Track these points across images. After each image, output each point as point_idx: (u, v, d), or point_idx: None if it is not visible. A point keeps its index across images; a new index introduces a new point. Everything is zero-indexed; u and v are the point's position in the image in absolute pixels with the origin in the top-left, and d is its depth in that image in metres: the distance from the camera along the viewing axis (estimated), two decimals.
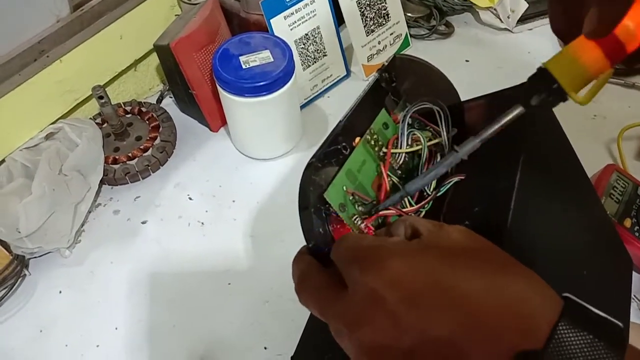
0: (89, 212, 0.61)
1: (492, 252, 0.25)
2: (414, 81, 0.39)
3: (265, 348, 0.51)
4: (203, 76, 0.65)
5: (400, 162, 0.36)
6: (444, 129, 0.37)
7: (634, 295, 0.52)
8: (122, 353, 0.51)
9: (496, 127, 0.30)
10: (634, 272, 0.48)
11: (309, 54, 0.70)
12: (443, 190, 0.36)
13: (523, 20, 0.81)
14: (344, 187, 0.32)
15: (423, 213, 0.36)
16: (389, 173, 0.35)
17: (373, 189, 0.35)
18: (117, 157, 0.65)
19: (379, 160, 0.36)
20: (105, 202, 0.64)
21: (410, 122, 0.37)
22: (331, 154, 0.32)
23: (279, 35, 0.64)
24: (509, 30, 0.82)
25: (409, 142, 0.37)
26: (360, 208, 0.34)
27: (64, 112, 0.65)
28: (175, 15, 0.74)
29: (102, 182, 0.64)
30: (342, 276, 0.26)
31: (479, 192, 0.35)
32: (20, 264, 0.56)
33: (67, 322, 0.54)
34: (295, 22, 0.67)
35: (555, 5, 0.28)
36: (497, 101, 0.38)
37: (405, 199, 0.35)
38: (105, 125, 0.67)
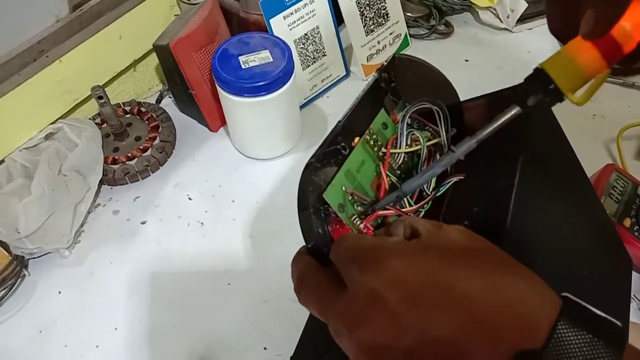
0: (89, 212, 0.61)
1: (492, 252, 0.25)
2: (414, 81, 0.39)
3: (265, 348, 0.51)
4: (202, 76, 0.65)
5: (400, 162, 0.36)
6: (443, 129, 0.37)
7: (634, 295, 0.52)
8: (121, 353, 0.51)
9: (492, 127, 0.30)
10: (633, 272, 0.48)
11: (308, 53, 0.70)
12: (442, 190, 0.36)
13: (523, 19, 0.81)
14: (343, 188, 0.32)
15: (422, 213, 0.36)
16: (388, 173, 0.35)
17: (372, 189, 0.35)
18: (116, 157, 0.65)
19: (378, 161, 0.36)
20: (104, 202, 0.64)
21: (409, 122, 0.37)
22: (330, 154, 0.32)
23: (279, 35, 0.64)
24: (508, 30, 0.82)
25: (408, 142, 0.37)
26: (359, 208, 0.34)
27: (63, 112, 0.65)
28: (175, 15, 0.74)
29: (101, 183, 0.64)
30: (342, 276, 0.26)
31: (478, 192, 0.35)
32: (19, 264, 0.55)
33: (67, 323, 0.54)
34: (295, 22, 0.67)
35: (552, 6, 0.28)
36: (497, 101, 0.38)
37: (405, 199, 0.35)
38: (105, 125, 0.67)
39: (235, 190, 0.64)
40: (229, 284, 0.56)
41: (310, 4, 0.68)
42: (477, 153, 0.31)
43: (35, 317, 0.54)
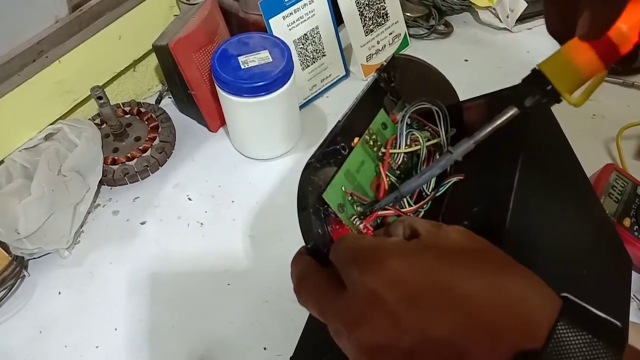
0: (88, 212, 0.61)
1: (491, 252, 0.25)
2: (413, 81, 0.39)
3: (264, 348, 0.51)
4: (202, 76, 0.65)
5: (399, 162, 0.36)
6: (443, 129, 0.37)
7: (634, 295, 0.52)
8: (121, 353, 0.51)
9: (490, 128, 0.30)
10: (633, 272, 0.48)
11: (307, 54, 0.70)
12: (442, 190, 0.36)
13: (522, 19, 0.81)
14: (343, 188, 0.32)
15: (422, 213, 0.36)
16: (387, 173, 0.35)
17: (372, 190, 0.35)
18: (116, 157, 0.65)
19: (377, 161, 0.36)
20: (104, 202, 0.64)
21: (409, 122, 0.37)
22: (330, 154, 0.32)
23: (278, 35, 0.64)
24: (508, 29, 0.82)
25: (408, 142, 0.37)
26: (359, 208, 0.34)
27: (63, 113, 0.65)
28: (174, 15, 0.74)
29: (101, 183, 0.64)
30: (341, 276, 0.26)
31: (478, 192, 0.35)
32: (19, 264, 0.55)
33: (67, 323, 0.54)
34: (294, 22, 0.67)
35: (550, 7, 0.28)
36: (496, 101, 0.38)
37: (405, 199, 0.35)
38: (104, 125, 0.67)
39: (235, 191, 0.64)
40: (228, 284, 0.56)
41: (310, 4, 0.68)
42: (477, 153, 0.31)
43: (35, 317, 0.54)
